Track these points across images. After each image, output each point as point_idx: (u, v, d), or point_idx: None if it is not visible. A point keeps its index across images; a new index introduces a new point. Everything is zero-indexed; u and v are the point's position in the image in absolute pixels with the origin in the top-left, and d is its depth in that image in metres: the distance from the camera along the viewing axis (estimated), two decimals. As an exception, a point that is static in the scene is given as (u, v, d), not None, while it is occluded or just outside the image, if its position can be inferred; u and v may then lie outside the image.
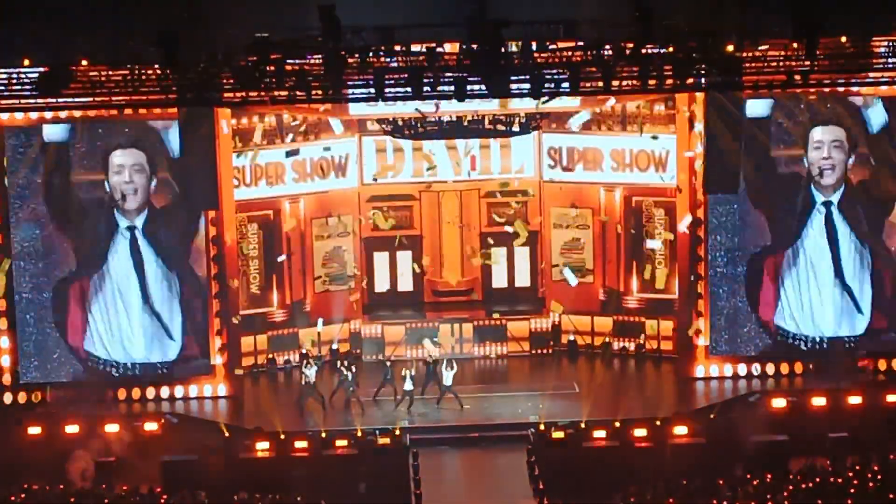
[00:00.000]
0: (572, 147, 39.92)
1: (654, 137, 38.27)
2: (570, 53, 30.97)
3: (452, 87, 30.73)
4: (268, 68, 30.60)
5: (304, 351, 39.24)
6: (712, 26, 31.79)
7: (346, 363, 36.92)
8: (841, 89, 35.36)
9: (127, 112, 34.76)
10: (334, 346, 39.90)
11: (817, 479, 29.81)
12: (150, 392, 36.60)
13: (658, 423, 33.54)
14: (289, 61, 30.87)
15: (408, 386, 35.52)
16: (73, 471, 32.06)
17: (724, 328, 37.09)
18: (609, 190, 39.52)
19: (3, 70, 32.52)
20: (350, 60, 30.35)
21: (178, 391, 36.74)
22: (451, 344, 39.54)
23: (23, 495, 30.49)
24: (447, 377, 35.63)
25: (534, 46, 30.90)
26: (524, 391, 36.84)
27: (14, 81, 32.30)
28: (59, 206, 36.07)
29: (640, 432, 33.20)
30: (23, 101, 32.61)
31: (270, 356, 39.32)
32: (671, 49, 31.32)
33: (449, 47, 31.38)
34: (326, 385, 36.37)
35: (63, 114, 34.59)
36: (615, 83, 31.17)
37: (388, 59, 30.75)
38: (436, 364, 36.25)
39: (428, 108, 34.91)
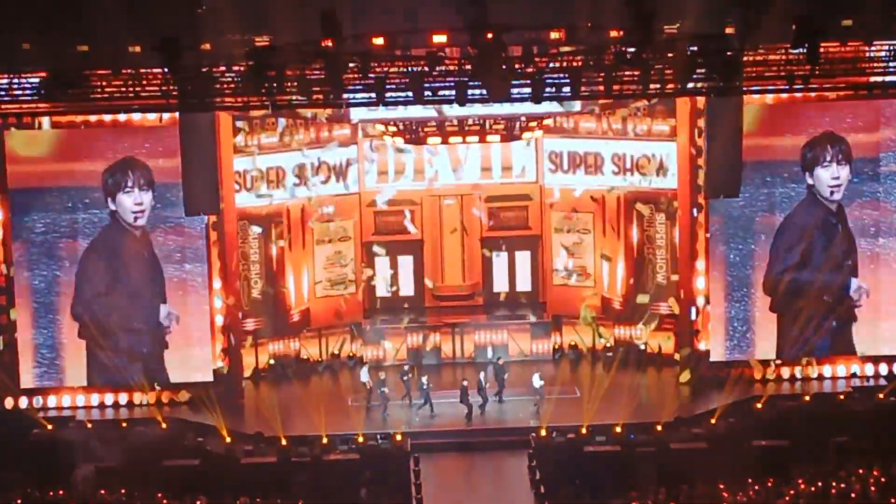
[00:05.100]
0: (573, 151, 39.96)
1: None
2: (571, 58, 30.95)
3: (453, 92, 30.72)
4: (269, 73, 30.56)
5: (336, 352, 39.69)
6: (713, 30, 31.78)
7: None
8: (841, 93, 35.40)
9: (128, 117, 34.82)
10: (335, 352, 39.99)
11: (819, 484, 29.78)
12: (152, 397, 36.70)
13: (659, 427, 33.53)
14: (290, 66, 30.83)
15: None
16: (76, 476, 32.00)
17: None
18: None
19: (4, 75, 32.52)
20: (351, 65, 30.32)
21: (183, 395, 36.80)
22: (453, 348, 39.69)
23: (19, 500, 30.47)
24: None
25: (535, 51, 30.88)
26: (525, 396, 36.79)
27: (15, 87, 32.30)
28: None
29: (641, 437, 33.16)
30: (24, 105, 32.64)
31: (272, 361, 39.32)
32: (672, 53, 31.28)
33: (449, 51, 31.41)
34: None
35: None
36: (616, 87, 31.14)
37: (389, 64, 30.72)
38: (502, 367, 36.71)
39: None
